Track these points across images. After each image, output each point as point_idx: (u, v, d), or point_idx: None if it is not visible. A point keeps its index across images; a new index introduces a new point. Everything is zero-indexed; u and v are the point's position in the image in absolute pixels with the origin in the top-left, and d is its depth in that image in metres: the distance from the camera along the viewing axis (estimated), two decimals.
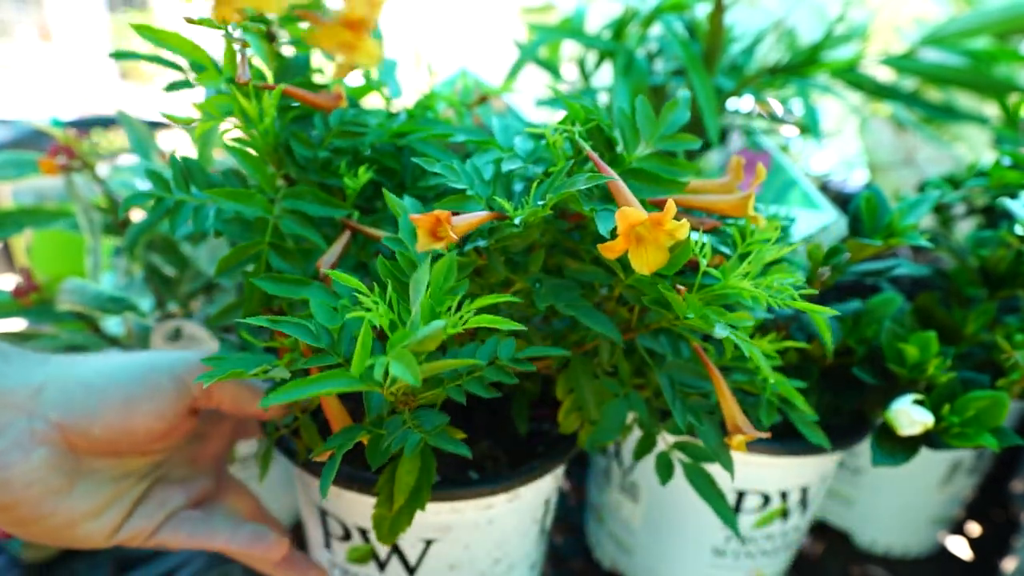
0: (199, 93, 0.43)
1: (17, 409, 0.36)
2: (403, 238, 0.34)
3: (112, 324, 0.61)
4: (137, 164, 0.63)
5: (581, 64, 0.77)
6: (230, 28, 0.36)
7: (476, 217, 0.34)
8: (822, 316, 0.34)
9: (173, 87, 0.39)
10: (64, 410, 0.37)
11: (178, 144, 0.60)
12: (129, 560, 0.64)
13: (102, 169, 0.58)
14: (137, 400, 0.38)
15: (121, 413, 0.38)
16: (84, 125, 1.17)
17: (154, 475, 0.43)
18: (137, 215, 0.65)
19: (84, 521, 0.38)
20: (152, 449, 0.41)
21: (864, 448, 0.66)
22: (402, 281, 0.32)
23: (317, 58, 0.43)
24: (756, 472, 0.51)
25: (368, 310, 0.30)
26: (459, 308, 0.30)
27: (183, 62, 0.41)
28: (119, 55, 0.41)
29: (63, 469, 0.37)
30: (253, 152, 0.40)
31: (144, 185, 0.59)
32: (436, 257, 0.32)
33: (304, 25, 0.40)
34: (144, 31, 0.37)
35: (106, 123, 1.23)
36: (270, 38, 0.41)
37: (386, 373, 0.27)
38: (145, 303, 0.60)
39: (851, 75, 0.74)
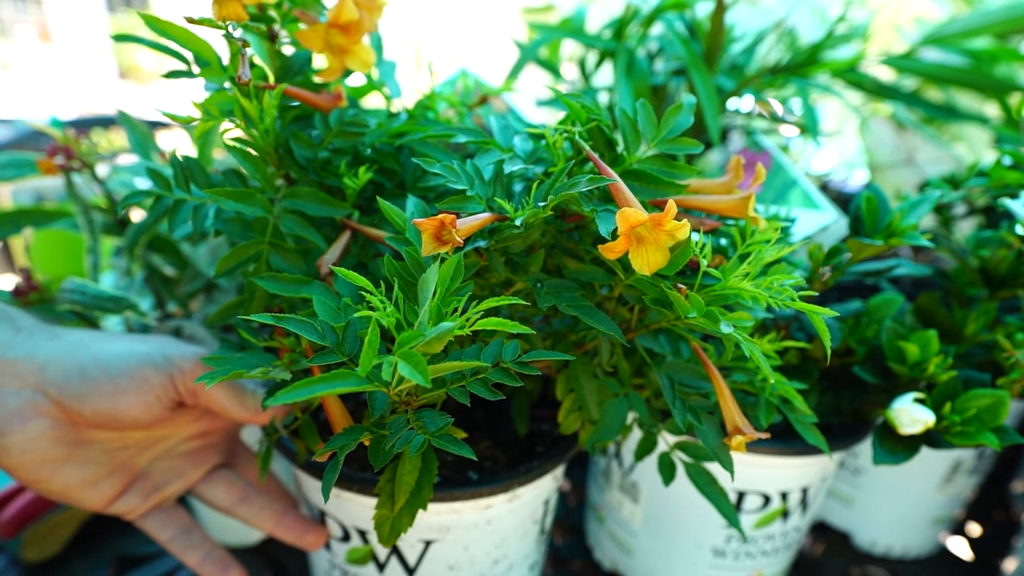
0: (198, 88, 0.42)
1: (20, 380, 0.38)
2: (411, 238, 0.34)
3: (112, 324, 0.61)
4: (137, 164, 0.63)
5: (581, 64, 0.77)
6: (230, 27, 0.36)
7: (479, 219, 0.33)
8: (821, 317, 0.34)
9: (174, 75, 0.39)
10: (61, 390, 0.39)
11: (178, 144, 0.60)
12: (129, 560, 0.64)
13: (101, 169, 0.58)
14: (124, 392, 0.40)
15: (109, 401, 0.40)
16: (84, 125, 1.17)
17: (158, 447, 0.45)
18: (137, 215, 0.65)
19: (81, 489, 0.41)
20: (149, 428, 0.43)
21: (864, 448, 0.66)
22: (409, 281, 0.32)
23: (318, 58, 0.43)
24: (757, 472, 0.51)
25: (374, 309, 0.30)
26: (465, 310, 0.30)
27: (188, 55, 0.40)
28: (121, 38, 0.41)
29: (61, 440, 0.40)
30: (253, 152, 0.40)
31: (143, 183, 0.59)
32: (441, 258, 0.32)
33: (303, 26, 0.40)
34: (151, 21, 0.37)
35: (106, 123, 1.23)
36: (271, 37, 0.41)
37: (392, 373, 0.28)
38: (145, 303, 0.60)
39: (851, 75, 0.74)
